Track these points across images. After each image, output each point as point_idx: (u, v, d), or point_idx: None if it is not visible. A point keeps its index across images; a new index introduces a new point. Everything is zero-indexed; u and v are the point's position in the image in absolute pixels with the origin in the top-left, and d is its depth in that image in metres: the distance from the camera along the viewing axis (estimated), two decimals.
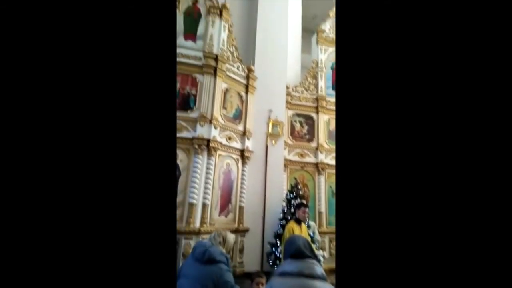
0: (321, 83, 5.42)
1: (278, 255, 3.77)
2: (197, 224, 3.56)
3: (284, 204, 4.20)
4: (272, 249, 3.90)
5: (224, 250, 1.74)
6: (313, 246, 3.16)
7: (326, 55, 5.62)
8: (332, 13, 5.90)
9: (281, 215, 4.09)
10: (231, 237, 1.85)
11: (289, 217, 3.86)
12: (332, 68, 5.61)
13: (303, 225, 3.37)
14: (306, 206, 3.46)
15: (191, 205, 3.56)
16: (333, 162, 5.08)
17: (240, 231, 4.04)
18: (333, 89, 5.46)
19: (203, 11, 4.25)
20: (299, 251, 1.30)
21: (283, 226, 3.80)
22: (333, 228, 4.86)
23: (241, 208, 4.15)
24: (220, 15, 4.28)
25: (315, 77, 5.46)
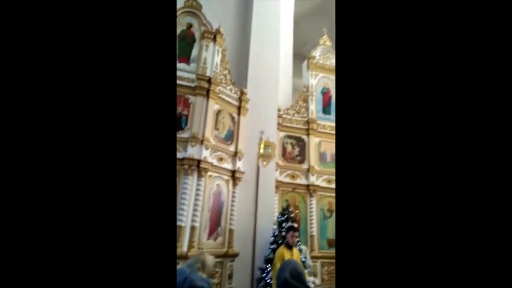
0: (312, 107, 5.53)
1: (268, 281, 3.62)
2: (185, 248, 3.42)
3: (275, 227, 4.10)
4: (263, 275, 3.76)
5: (204, 275, 1.66)
6: (305, 271, 3.06)
7: (316, 80, 5.79)
8: (322, 41, 6.18)
9: (272, 239, 3.98)
10: (210, 259, 1.78)
11: (280, 241, 3.76)
12: (322, 93, 5.77)
13: (295, 250, 3.27)
14: (295, 229, 3.30)
15: (179, 227, 3.44)
16: (324, 184, 5.08)
17: (229, 256, 3.90)
18: (323, 112, 5.59)
19: (197, 35, 4.37)
20: (287, 283, 1.26)
21: (274, 251, 3.68)
22: (325, 252, 4.75)
23: (231, 231, 4.03)
24: (214, 39, 4.41)
25: (306, 101, 5.58)
